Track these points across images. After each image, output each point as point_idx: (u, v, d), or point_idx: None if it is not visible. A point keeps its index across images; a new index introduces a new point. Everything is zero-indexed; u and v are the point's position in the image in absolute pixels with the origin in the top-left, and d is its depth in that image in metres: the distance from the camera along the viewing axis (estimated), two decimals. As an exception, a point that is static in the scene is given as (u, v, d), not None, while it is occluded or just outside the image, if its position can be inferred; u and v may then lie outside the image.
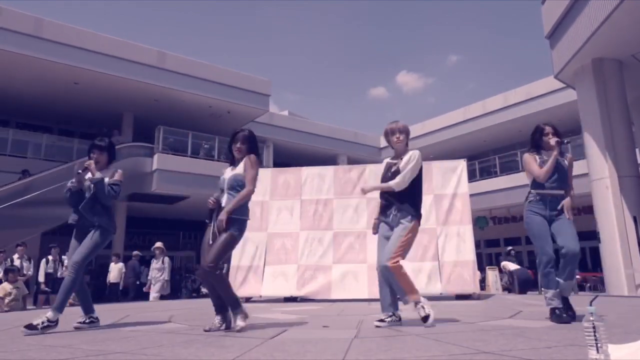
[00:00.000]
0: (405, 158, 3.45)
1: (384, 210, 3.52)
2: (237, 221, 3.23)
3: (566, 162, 3.57)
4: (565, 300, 3.40)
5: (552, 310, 3.35)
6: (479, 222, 19.77)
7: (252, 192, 3.29)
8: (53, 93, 15.60)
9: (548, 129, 3.60)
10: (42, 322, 3.26)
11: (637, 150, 10.34)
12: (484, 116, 20.60)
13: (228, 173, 3.38)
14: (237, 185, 3.29)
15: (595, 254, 12.29)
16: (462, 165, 7.29)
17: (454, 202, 6.97)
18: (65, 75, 14.43)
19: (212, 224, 3.25)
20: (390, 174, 3.49)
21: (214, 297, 3.32)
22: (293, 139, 21.86)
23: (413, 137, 26.72)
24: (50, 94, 15.63)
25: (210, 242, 3.20)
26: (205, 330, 3.15)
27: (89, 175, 3.62)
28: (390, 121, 3.64)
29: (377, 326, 3.29)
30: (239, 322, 3.15)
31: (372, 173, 7.53)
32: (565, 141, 3.60)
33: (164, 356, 2.23)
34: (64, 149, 16.78)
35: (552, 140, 3.51)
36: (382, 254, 3.38)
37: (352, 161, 21.33)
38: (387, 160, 3.66)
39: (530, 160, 3.58)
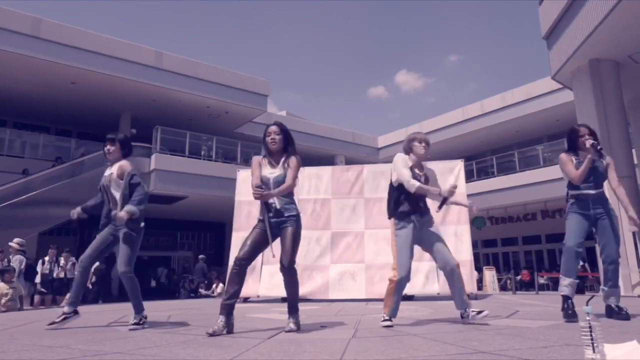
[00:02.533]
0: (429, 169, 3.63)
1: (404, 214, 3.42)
2: (298, 216, 3.38)
3: (604, 163, 3.61)
4: (610, 307, 3.49)
5: (564, 298, 3.44)
6: (476, 222, 19.79)
7: (292, 187, 3.36)
8: (50, 93, 15.57)
9: (583, 130, 3.62)
10: (138, 322, 3.53)
11: (633, 151, 10.36)
12: (482, 116, 20.64)
13: (270, 172, 3.34)
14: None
15: (592, 254, 12.32)
16: (459, 165, 7.31)
17: (451, 202, 7.00)
18: (63, 75, 14.40)
19: (267, 228, 3.23)
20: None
21: (229, 296, 3.15)
22: (291, 139, 21.83)
23: (411, 137, 26.54)
24: (47, 93, 15.61)
25: (270, 241, 3.24)
26: (209, 334, 2.92)
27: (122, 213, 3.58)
28: (415, 132, 3.71)
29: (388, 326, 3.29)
30: (292, 326, 3.16)
31: (370, 173, 7.53)
32: (599, 147, 3.62)
33: (162, 356, 2.23)
34: (62, 149, 16.78)
35: (588, 142, 3.52)
36: (445, 254, 3.35)
37: (349, 161, 21.35)
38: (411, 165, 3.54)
39: (567, 160, 3.59)
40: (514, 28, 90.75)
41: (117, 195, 3.68)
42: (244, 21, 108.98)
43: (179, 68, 16.17)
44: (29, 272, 8.57)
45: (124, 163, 3.76)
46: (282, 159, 3.38)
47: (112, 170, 3.74)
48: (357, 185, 7.46)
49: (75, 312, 3.65)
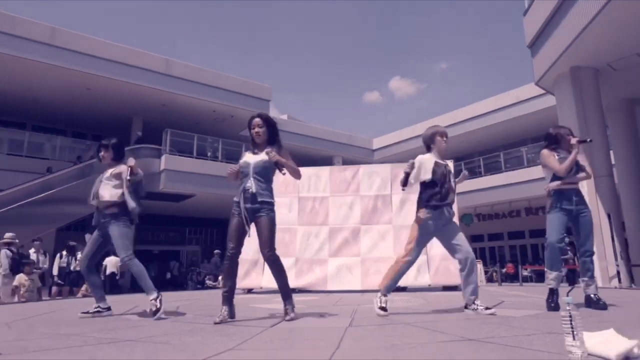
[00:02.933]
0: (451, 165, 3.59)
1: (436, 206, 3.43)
2: (272, 204, 3.20)
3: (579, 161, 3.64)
4: (589, 297, 3.48)
5: (550, 290, 3.46)
6: (465, 218, 19.82)
7: (297, 170, 3.33)
8: (67, 98, 15.55)
9: (566, 130, 3.67)
10: (156, 303, 3.38)
11: (611, 152, 10.39)
12: (470, 120, 20.68)
13: (251, 158, 3.22)
14: (264, 171, 3.19)
15: (572, 248, 12.34)
16: (449, 166, 7.30)
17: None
18: (78, 81, 14.39)
19: (242, 213, 3.09)
20: (445, 173, 3.55)
21: (228, 288, 3.15)
22: (292, 141, 21.80)
23: (405, 139, 26.53)
24: (64, 98, 15.59)
25: (247, 228, 3.11)
26: (216, 323, 2.93)
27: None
28: (434, 125, 3.71)
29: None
30: (292, 315, 3.07)
31: (366, 173, 7.54)
32: (588, 139, 3.64)
33: (172, 343, 2.23)
34: (77, 151, 16.77)
35: (574, 140, 3.55)
36: (465, 246, 3.37)
37: (346, 162, 21.34)
38: (435, 160, 3.59)
39: (549, 155, 3.61)
40: (500, 37, 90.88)
41: (107, 185, 3.65)
42: (249, 30, 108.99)
43: (187, 74, 16.16)
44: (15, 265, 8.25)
45: (123, 167, 3.73)
46: (267, 149, 3.23)
47: (112, 170, 3.71)
48: (353, 184, 7.47)
49: (108, 309, 3.66)
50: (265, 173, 3.20)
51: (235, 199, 3.17)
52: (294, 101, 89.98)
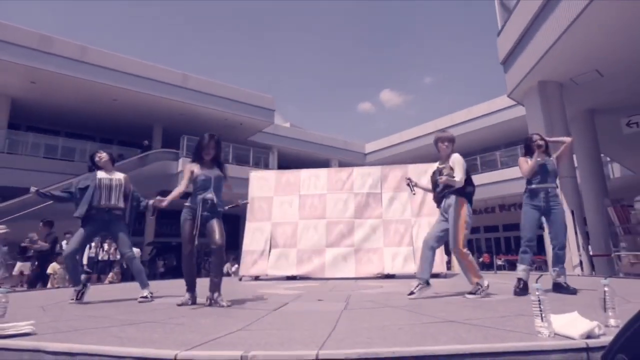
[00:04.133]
0: (451, 161, 3.58)
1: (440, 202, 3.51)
2: (221, 213, 3.36)
3: (553, 160, 3.65)
4: (558, 285, 3.44)
5: (518, 280, 3.45)
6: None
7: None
8: (95, 108, 15.52)
9: (536, 137, 3.67)
10: (146, 296, 3.51)
11: (574, 156, 10.41)
12: (451, 127, 20.66)
13: (210, 172, 3.30)
14: (220, 185, 3.35)
15: (540, 240, 12.35)
16: (433, 167, 7.29)
17: (425, 198, 6.97)
18: (106, 93, 14.36)
19: (197, 219, 3.21)
20: (440, 175, 3.56)
21: (190, 278, 3.28)
22: (294, 146, 21.82)
23: (394, 144, 26.43)
24: (93, 108, 15.56)
25: (195, 232, 3.21)
26: (178, 305, 3.10)
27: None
28: (440, 130, 3.74)
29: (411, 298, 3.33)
30: (225, 302, 3.07)
31: (359, 174, 7.53)
32: (547, 143, 3.69)
33: (186, 324, 2.22)
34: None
35: (534, 145, 3.60)
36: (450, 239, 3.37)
37: (342, 164, 21.33)
38: (437, 165, 3.72)
39: (522, 161, 3.68)
40: (477, 55, 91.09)
41: (120, 193, 3.79)
42: (257, 49, 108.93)
43: (202, 87, 16.15)
44: None
45: (127, 177, 3.96)
46: (215, 166, 3.36)
47: (120, 177, 3.86)
48: (347, 184, 7.45)
49: (84, 285, 3.66)
50: (220, 186, 3.36)
51: (187, 204, 3.27)
52: (296, 111, 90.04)
